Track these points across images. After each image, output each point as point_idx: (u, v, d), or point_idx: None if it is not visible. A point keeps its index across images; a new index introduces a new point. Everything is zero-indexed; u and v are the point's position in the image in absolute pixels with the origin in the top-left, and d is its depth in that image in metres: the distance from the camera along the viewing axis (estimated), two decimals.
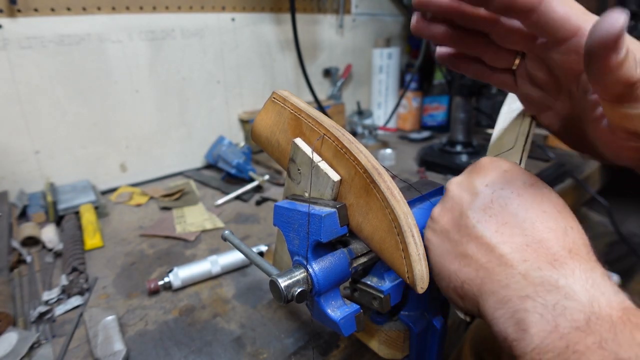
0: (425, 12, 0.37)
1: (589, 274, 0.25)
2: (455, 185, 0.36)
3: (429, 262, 0.34)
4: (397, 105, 1.38)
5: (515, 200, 0.31)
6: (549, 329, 0.24)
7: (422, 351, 0.50)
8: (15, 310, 0.58)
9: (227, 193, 0.98)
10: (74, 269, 0.66)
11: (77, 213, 0.85)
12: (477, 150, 1.11)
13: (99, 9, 0.93)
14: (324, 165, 0.37)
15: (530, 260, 0.27)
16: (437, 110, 1.49)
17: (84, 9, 0.91)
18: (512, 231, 0.29)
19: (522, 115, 0.45)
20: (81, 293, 0.62)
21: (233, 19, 1.14)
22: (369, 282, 0.41)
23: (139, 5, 0.98)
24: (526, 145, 0.41)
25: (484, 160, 0.35)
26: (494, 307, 0.28)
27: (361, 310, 0.38)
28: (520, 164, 0.39)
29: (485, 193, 0.32)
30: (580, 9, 0.28)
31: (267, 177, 1.02)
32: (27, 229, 0.76)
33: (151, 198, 0.99)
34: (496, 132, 0.47)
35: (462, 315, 0.35)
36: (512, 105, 0.47)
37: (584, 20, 0.28)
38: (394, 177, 0.36)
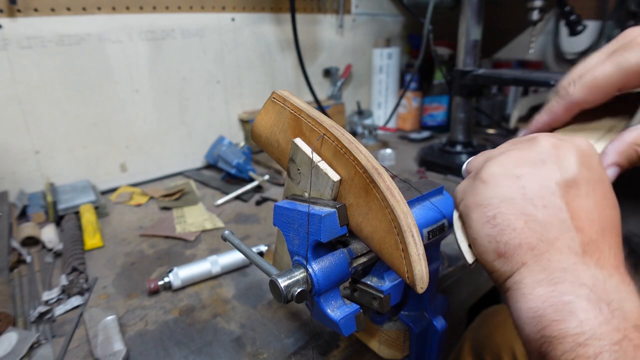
0: None
1: None
2: (551, 143, 0.32)
3: (478, 194, 0.32)
4: (397, 105, 1.38)
5: (605, 195, 0.31)
6: (602, 319, 0.24)
7: (422, 351, 0.50)
8: (15, 310, 0.58)
9: (227, 193, 0.98)
10: (74, 269, 0.66)
11: (77, 213, 0.85)
12: (477, 150, 1.11)
13: (99, 9, 0.93)
14: (323, 165, 0.37)
15: (596, 257, 0.27)
16: (437, 110, 1.49)
17: (84, 9, 0.91)
18: (592, 222, 0.29)
19: None
20: (81, 293, 0.62)
21: (233, 19, 1.14)
22: (369, 282, 0.41)
23: (139, 5, 0.98)
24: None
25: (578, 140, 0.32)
26: (537, 282, 0.27)
27: (361, 310, 0.38)
28: None
29: (582, 172, 0.30)
30: None
31: (267, 177, 1.02)
32: (27, 229, 0.76)
33: (151, 198, 0.99)
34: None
35: (468, 258, 0.33)
36: None
37: None
38: (393, 177, 0.36)
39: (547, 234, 0.28)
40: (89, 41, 0.93)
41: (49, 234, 0.77)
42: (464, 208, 0.33)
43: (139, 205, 0.95)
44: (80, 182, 0.98)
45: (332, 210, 0.35)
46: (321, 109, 1.28)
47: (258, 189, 1.01)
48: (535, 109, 1.44)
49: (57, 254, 0.73)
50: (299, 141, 0.40)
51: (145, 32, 1.00)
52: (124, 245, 0.78)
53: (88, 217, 0.82)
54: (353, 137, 0.36)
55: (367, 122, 1.43)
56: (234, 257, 0.67)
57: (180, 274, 0.63)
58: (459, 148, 1.11)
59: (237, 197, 0.97)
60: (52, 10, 0.87)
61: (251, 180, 1.01)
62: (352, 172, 0.35)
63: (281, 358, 0.50)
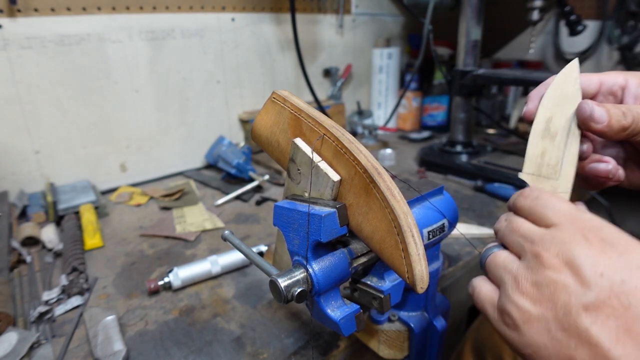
0: None
1: None
2: (556, 264, 0.28)
3: (513, 344, 0.29)
4: (397, 105, 1.38)
5: None
6: None
7: (422, 351, 0.50)
8: (15, 310, 0.58)
9: (227, 193, 0.98)
10: (74, 269, 0.66)
11: (77, 213, 0.85)
12: (477, 150, 1.11)
13: (99, 9, 0.93)
14: (323, 165, 0.37)
15: None
16: (437, 110, 1.49)
17: (84, 9, 0.91)
18: (637, 341, 0.24)
19: (569, 119, 0.36)
20: (81, 293, 0.62)
21: (233, 19, 1.14)
22: (369, 282, 0.41)
23: (139, 5, 0.98)
24: (573, 179, 0.35)
25: (590, 229, 0.28)
26: None
27: (361, 310, 0.38)
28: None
29: (601, 286, 0.25)
30: None
31: (267, 177, 1.02)
32: (27, 229, 0.76)
33: (151, 198, 0.99)
34: (541, 126, 0.38)
35: None
36: (565, 89, 0.38)
37: None
38: (393, 177, 0.36)
39: None
40: (89, 41, 0.93)
41: (49, 234, 0.77)
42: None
43: (139, 205, 0.95)
44: (80, 182, 0.98)
45: (332, 210, 0.35)
46: (321, 109, 1.28)
47: (258, 189, 1.01)
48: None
49: (57, 254, 0.73)
50: (299, 141, 0.40)
51: (145, 32, 1.00)
52: (124, 245, 0.78)
53: (88, 217, 0.82)
54: (353, 137, 0.36)
55: (367, 122, 1.43)
56: (234, 257, 0.67)
57: (180, 274, 0.63)
58: (459, 148, 1.11)
59: (237, 197, 0.97)
60: (52, 10, 0.87)
61: (251, 180, 1.01)
62: (352, 172, 0.35)
63: (281, 358, 0.50)
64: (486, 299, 0.32)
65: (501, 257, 0.32)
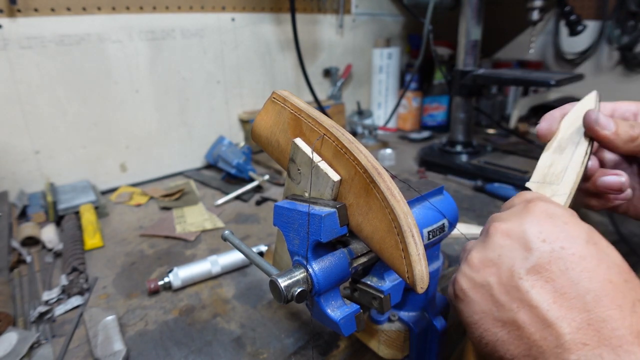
0: None
1: None
2: (503, 233, 0.30)
3: (462, 315, 0.31)
4: (397, 105, 1.38)
5: (577, 264, 0.26)
6: None
7: (422, 351, 0.50)
8: (15, 310, 0.58)
9: (227, 193, 0.98)
10: (74, 269, 0.66)
11: (77, 213, 0.85)
12: (477, 150, 1.11)
13: (99, 9, 0.93)
14: (323, 165, 0.37)
15: (591, 345, 0.24)
16: (437, 110, 1.49)
17: (84, 9, 0.91)
18: (572, 304, 0.26)
19: (579, 133, 0.38)
20: (81, 293, 0.62)
21: (233, 19, 1.14)
22: (369, 282, 0.41)
23: (139, 5, 0.98)
24: (575, 185, 0.36)
25: (540, 205, 0.30)
26: None
27: (361, 310, 0.38)
28: (565, 205, 0.35)
29: (542, 250, 0.28)
30: None
31: (267, 177, 1.02)
32: (27, 229, 0.76)
33: (151, 198, 0.99)
34: (554, 144, 0.40)
35: None
36: (577, 114, 0.40)
37: None
38: (393, 177, 0.36)
39: (532, 336, 0.26)
40: (89, 41, 0.93)
41: (49, 234, 0.77)
42: None
43: (139, 205, 0.95)
44: (80, 182, 0.98)
45: (332, 210, 0.35)
46: (321, 109, 1.28)
47: (258, 189, 1.01)
48: (535, 109, 1.44)
49: (57, 254, 0.73)
50: (299, 141, 0.40)
51: (145, 32, 1.00)
52: (124, 245, 0.78)
53: (88, 217, 0.82)
54: (353, 137, 0.36)
55: (367, 122, 1.43)
56: (234, 257, 0.67)
57: (180, 274, 0.63)
58: (459, 148, 1.11)
59: (237, 197, 0.97)
60: (52, 10, 0.87)
61: (251, 180, 1.01)
62: (352, 172, 0.35)
63: (281, 358, 0.50)
64: (450, 283, 0.34)
65: (467, 243, 0.35)
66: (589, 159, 0.37)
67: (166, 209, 0.93)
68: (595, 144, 0.39)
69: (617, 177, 0.38)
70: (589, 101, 0.40)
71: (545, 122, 0.41)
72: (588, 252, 0.27)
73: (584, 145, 0.37)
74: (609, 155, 0.42)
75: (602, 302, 0.25)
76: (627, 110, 0.40)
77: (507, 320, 0.27)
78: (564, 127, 0.40)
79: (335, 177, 0.36)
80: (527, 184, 0.39)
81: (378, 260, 0.40)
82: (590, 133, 0.37)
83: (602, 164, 0.42)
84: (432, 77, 1.46)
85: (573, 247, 0.27)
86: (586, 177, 0.40)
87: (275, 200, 0.94)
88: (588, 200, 0.41)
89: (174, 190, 0.99)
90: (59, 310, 0.58)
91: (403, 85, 1.51)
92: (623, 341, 0.24)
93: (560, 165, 0.37)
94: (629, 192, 0.39)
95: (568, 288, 0.26)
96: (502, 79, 1.02)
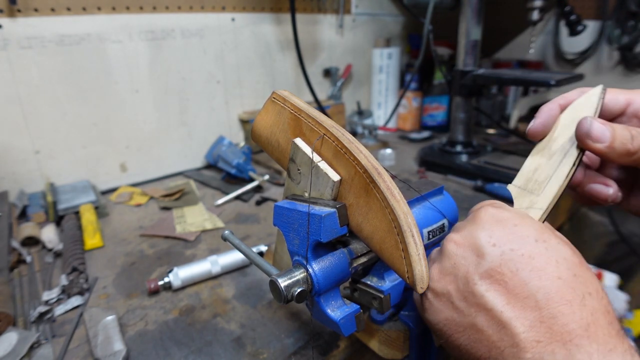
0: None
1: (607, 357, 0.23)
2: (455, 242, 0.31)
3: (429, 323, 0.32)
4: (397, 105, 1.38)
5: (527, 264, 0.27)
6: None
7: (422, 351, 0.50)
8: (15, 310, 0.58)
9: (227, 193, 0.98)
10: (74, 269, 0.66)
11: (77, 213, 0.85)
12: (477, 150, 1.11)
13: (99, 9, 0.93)
14: (323, 165, 0.37)
15: (544, 341, 0.25)
16: (437, 110, 1.49)
17: (84, 9, 0.91)
18: (524, 303, 0.26)
19: (571, 140, 0.35)
20: (81, 293, 0.62)
21: (233, 19, 1.14)
22: (369, 282, 0.41)
23: (139, 5, 0.98)
24: (554, 200, 0.34)
25: (489, 211, 0.31)
26: None
27: (361, 310, 0.38)
28: (540, 219, 0.34)
29: (493, 255, 0.28)
30: None
31: (267, 177, 1.02)
32: (27, 229, 0.76)
33: (151, 198, 0.99)
34: (545, 145, 0.37)
35: None
36: (581, 113, 0.36)
37: None
38: (393, 177, 0.36)
39: (490, 338, 0.27)
40: (89, 41, 0.93)
41: (49, 234, 0.77)
42: None
43: (139, 205, 0.95)
44: (80, 182, 0.98)
45: (332, 210, 0.35)
46: (321, 109, 1.28)
47: (258, 189, 1.01)
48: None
49: (57, 254, 0.73)
50: (299, 141, 0.40)
51: (145, 32, 1.00)
52: (124, 245, 0.78)
53: (88, 217, 0.82)
54: (353, 137, 0.36)
55: (367, 122, 1.43)
56: (234, 257, 0.67)
57: (180, 274, 0.63)
58: (459, 148, 1.11)
59: (237, 197, 0.97)
60: (52, 10, 0.87)
61: (251, 180, 1.01)
62: (352, 172, 0.35)
63: (281, 358, 0.50)
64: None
65: (429, 256, 0.35)
66: (576, 170, 0.35)
67: (166, 209, 0.93)
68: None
69: (605, 189, 0.36)
70: (591, 99, 0.36)
71: (540, 120, 0.38)
72: (537, 250, 0.28)
73: (573, 155, 0.34)
74: None
75: (552, 298, 0.25)
76: (617, 101, 0.36)
77: (467, 325, 0.28)
78: (559, 127, 0.37)
79: (335, 177, 0.36)
80: (509, 186, 0.37)
81: (378, 260, 0.40)
82: (582, 145, 0.34)
83: (593, 160, 0.40)
84: (432, 77, 1.46)
85: (522, 248, 0.28)
86: (571, 186, 0.38)
87: (275, 200, 0.94)
88: (575, 196, 0.40)
89: (174, 190, 0.99)
90: (59, 310, 0.58)
91: (403, 85, 1.51)
92: (573, 335, 0.24)
93: (545, 173, 0.35)
94: (618, 195, 0.37)
95: (520, 288, 0.27)
96: (502, 79, 1.02)
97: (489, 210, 0.32)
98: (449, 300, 0.30)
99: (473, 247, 0.30)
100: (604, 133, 0.32)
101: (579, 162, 0.35)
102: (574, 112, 0.37)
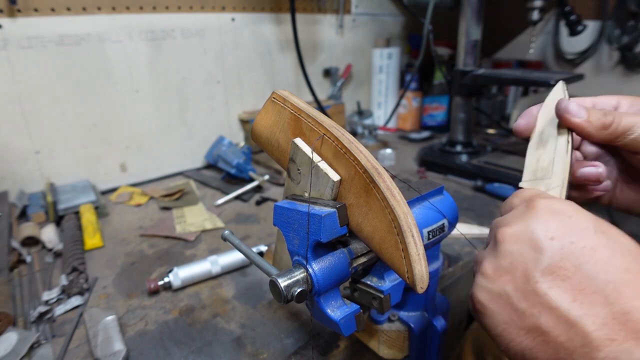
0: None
1: None
2: (510, 236, 0.29)
3: (486, 328, 0.30)
4: (397, 105, 1.38)
5: (590, 257, 0.25)
6: None
7: (422, 351, 0.50)
8: (15, 310, 0.58)
9: (227, 193, 0.98)
10: (74, 269, 0.66)
11: (77, 213, 0.85)
12: (477, 150, 1.11)
13: (99, 9, 0.93)
14: (323, 165, 0.37)
15: (619, 340, 0.23)
16: (437, 110, 1.49)
17: (84, 9, 0.91)
18: (592, 299, 0.25)
19: (555, 125, 0.39)
20: (81, 293, 0.62)
21: (233, 19, 1.14)
22: (369, 282, 0.41)
23: (139, 5, 0.98)
24: (566, 174, 0.36)
25: (541, 203, 0.29)
26: None
27: (361, 310, 0.38)
28: (561, 196, 0.34)
29: (552, 249, 0.27)
30: None
31: (267, 177, 1.02)
32: (27, 229, 0.76)
33: (151, 198, 0.99)
34: (536, 139, 0.40)
35: None
36: (550, 105, 0.40)
37: None
38: (393, 177, 0.36)
39: (557, 339, 0.25)
40: (89, 41, 0.93)
41: (49, 234, 0.77)
42: None
43: (139, 205, 0.95)
44: (80, 182, 0.98)
45: (332, 210, 0.35)
46: (321, 109, 1.28)
47: (258, 189, 1.01)
48: None
49: (57, 254, 0.73)
50: (299, 141, 0.40)
51: (145, 32, 1.00)
52: (124, 245, 0.78)
53: (88, 217, 0.82)
54: (353, 137, 0.36)
55: (367, 122, 1.43)
56: (234, 257, 0.67)
57: (180, 274, 0.63)
58: (459, 148, 1.11)
59: (237, 197, 0.97)
60: (52, 10, 0.87)
61: (251, 180, 1.01)
62: (352, 172, 0.35)
63: (281, 358, 0.50)
64: (468, 297, 0.33)
65: (478, 254, 0.34)
66: (572, 146, 0.38)
67: (166, 209, 0.93)
68: (577, 138, 0.40)
69: (595, 169, 0.38)
70: (558, 92, 0.41)
71: (523, 119, 0.42)
72: (599, 242, 0.26)
73: (564, 135, 0.38)
74: (590, 148, 0.42)
75: (624, 293, 0.24)
76: (607, 104, 0.39)
77: (531, 327, 0.26)
78: (540, 121, 0.41)
79: (335, 177, 0.36)
80: (520, 184, 0.39)
81: (378, 260, 0.40)
82: (563, 122, 0.37)
83: (584, 157, 0.42)
84: (432, 77, 1.46)
85: (583, 240, 0.26)
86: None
87: (275, 200, 0.94)
88: (569, 192, 0.41)
89: (174, 190, 0.99)
90: (59, 310, 0.58)
91: (403, 85, 1.51)
92: None
93: (547, 158, 0.38)
94: (607, 183, 0.40)
95: (586, 283, 0.25)
96: (502, 79, 1.02)
97: (541, 202, 0.29)
98: (507, 302, 0.28)
99: (530, 242, 0.28)
100: (580, 109, 0.36)
101: (572, 139, 0.38)
102: (548, 107, 0.41)
